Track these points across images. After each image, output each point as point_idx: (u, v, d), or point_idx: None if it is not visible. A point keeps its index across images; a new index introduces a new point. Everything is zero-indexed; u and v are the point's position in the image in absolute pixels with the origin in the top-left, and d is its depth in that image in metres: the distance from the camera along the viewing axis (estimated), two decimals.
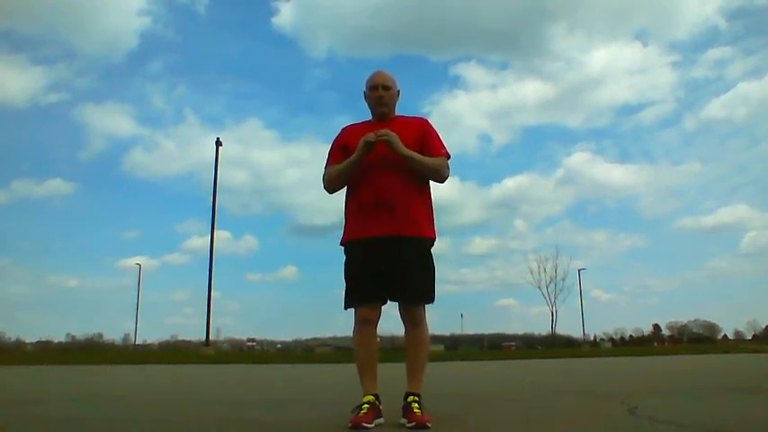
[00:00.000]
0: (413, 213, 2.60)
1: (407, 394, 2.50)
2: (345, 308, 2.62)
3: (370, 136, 2.54)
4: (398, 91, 2.77)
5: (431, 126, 2.76)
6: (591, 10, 78.90)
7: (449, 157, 2.72)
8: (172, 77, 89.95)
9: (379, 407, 2.46)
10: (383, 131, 2.55)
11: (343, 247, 2.70)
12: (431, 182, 2.74)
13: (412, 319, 2.59)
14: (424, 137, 2.69)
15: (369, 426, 2.32)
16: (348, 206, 2.72)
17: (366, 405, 2.42)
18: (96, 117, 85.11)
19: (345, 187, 2.75)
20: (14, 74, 75.72)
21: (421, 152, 2.62)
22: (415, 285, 2.57)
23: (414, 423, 2.31)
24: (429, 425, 2.31)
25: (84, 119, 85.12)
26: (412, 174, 2.63)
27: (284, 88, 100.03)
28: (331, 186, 2.73)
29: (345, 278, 2.64)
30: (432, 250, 2.70)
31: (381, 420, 2.43)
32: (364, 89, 2.77)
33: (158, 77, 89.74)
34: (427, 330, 2.64)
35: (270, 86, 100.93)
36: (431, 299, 2.62)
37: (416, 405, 2.43)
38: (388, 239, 2.55)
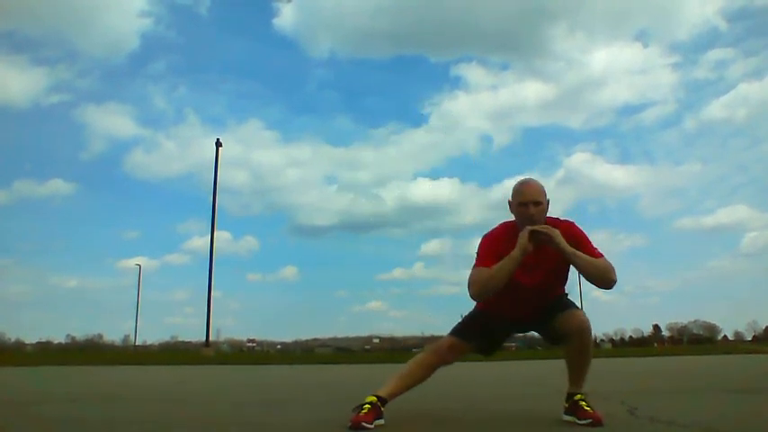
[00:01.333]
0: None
1: (572, 394, 2.55)
2: (455, 334, 2.69)
3: (537, 227, 2.41)
4: (548, 201, 2.54)
5: (579, 228, 2.53)
6: (591, 11, 79.11)
7: (605, 258, 2.49)
8: (173, 78, 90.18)
9: (380, 408, 2.45)
10: (546, 228, 2.41)
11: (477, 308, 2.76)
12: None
13: (580, 321, 2.52)
14: (575, 239, 2.46)
15: (369, 426, 2.30)
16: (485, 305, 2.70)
17: (367, 405, 2.40)
18: (97, 118, 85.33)
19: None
20: (16, 75, 75.90)
21: None
22: (567, 302, 2.64)
23: (589, 420, 2.35)
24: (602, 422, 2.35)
25: (85, 119, 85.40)
26: (558, 288, 2.64)
27: (285, 89, 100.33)
28: (486, 288, 2.45)
29: (470, 317, 2.74)
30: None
31: (382, 421, 2.42)
32: (510, 199, 2.55)
33: (160, 78, 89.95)
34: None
35: (271, 87, 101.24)
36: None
37: (585, 403, 2.47)
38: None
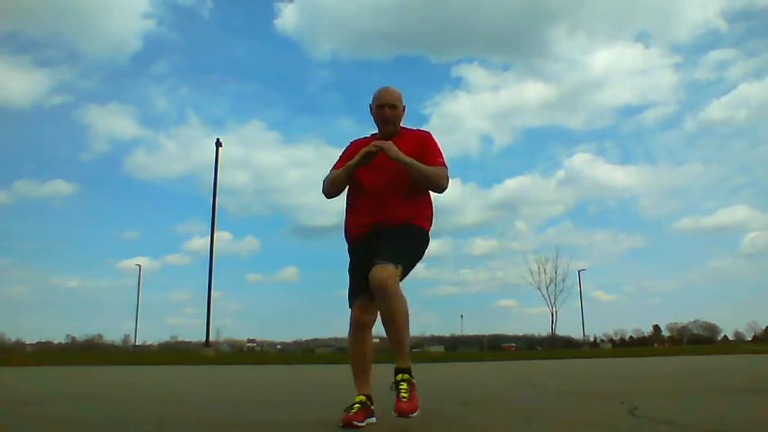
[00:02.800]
0: (400, 209, 2.64)
1: (396, 370, 2.46)
2: (350, 307, 2.68)
3: (370, 146, 2.61)
4: (404, 107, 2.80)
5: (431, 138, 2.79)
6: (592, 11, 78.87)
7: (445, 167, 2.72)
8: (175, 79, 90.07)
9: (370, 407, 2.49)
10: (380, 142, 2.62)
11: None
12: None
13: (377, 286, 2.39)
14: (424, 147, 2.71)
15: (360, 424, 2.34)
16: (346, 212, 2.82)
17: (357, 405, 2.45)
18: (99, 118, 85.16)
19: (345, 193, 2.80)
20: (19, 75, 75.85)
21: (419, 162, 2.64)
22: (385, 246, 2.51)
23: (395, 412, 2.34)
24: (413, 414, 2.34)
25: (86, 120, 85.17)
26: (409, 184, 2.65)
27: (287, 90, 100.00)
28: (327, 189, 2.78)
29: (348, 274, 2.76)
30: (421, 236, 2.68)
31: (373, 419, 2.45)
32: (371, 103, 2.79)
33: (161, 79, 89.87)
34: (399, 297, 2.43)
35: (272, 88, 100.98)
36: (401, 260, 2.47)
37: (405, 386, 2.41)
38: (373, 230, 2.62)
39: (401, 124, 2.83)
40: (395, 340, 2.47)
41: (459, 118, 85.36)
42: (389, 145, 2.61)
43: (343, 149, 2.88)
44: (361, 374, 2.64)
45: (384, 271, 2.39)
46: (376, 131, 2.84)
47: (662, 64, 79.08)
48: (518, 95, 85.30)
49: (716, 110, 79.15)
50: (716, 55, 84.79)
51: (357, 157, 2.63)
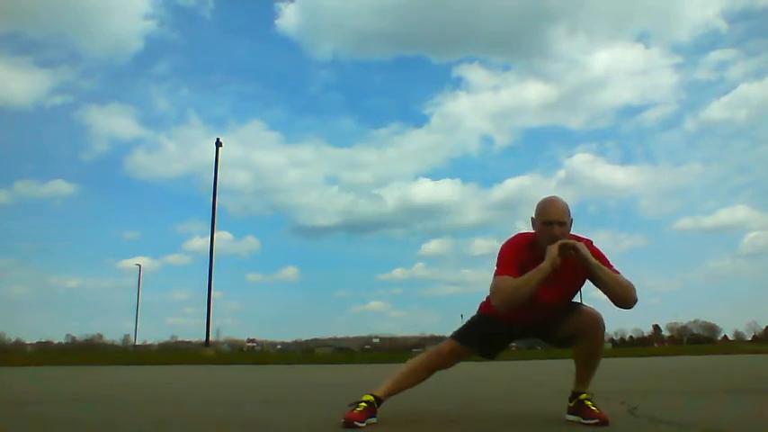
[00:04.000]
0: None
1: (577, 393, 2.54)
2: (457, 338, 2.68)
3: (565, 242, 2.37)
4: (571, 221, 2.50)
5: (597, 247, 2.49)
6: (592, 12, 79.18)
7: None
8: (176, 79, 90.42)
9: (375, 408, 2.47)
10: (572, 241, 2.37)
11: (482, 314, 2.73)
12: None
13: (596, 316, 2.51)
14: (595, 257, 2.41)
15: (360, 424, 2.33)
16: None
17: (363, 404, 2.43)
18: (100, 119, 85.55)
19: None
20: (20, 76, 75.99)
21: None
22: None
23: (595, 420, 2.36)
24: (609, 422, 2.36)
25: (87, 120, 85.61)
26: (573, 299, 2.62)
27: (287, 90, 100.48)
28: (511, 299, 2.36)
29: (472, 321, 2.73)
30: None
31: (375, 420, 2.44)
32: (534, 216, 2.51)
33: (162, 79, 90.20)
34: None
35: (273, 88, 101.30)
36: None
37: (592, 402, 2.48)
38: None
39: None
40: (591, 370, 2.59)
41: (459, 118, 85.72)
42: (581, 244, 2.37)
43: (504, 256, 2.49)
44: (393, 384, 2.59)
45: (596, 311, 2.49)
46: (527, 231, 2.57)
47: (662, 64, 79.35)
48: (518, 95, 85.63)
49: (716, 110, 79.51)
50: (716, 55, 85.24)
51: (554, 254, 2.32)
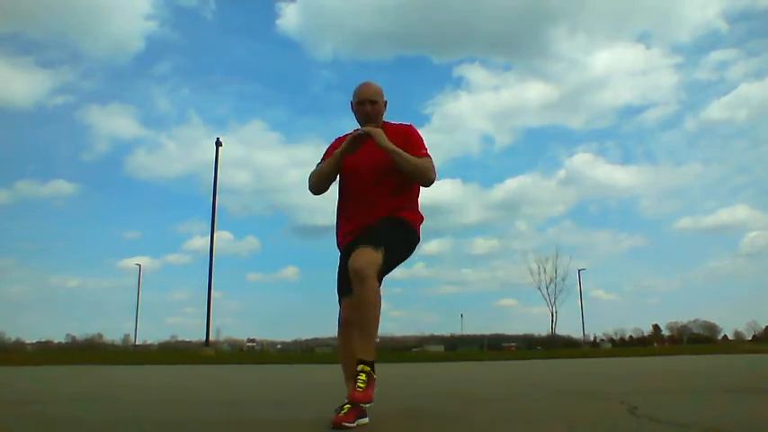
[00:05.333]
0: (385, 208, 2.67)
1: (357, 361, 2.42)
2: (339, 301, 2.72)
3: (358, 130, 2.62)
4: (385, 102, 2.78)
5: (414, 130, 2.77)
6: (593, 12, 79.08)
7: (431, 158, 2.70)
8: (177, 79, 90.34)
9: (361, 407, 2.42)
10: (367, 128, 2.62)
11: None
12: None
13: (353, 269, 2.39)
14: (407, 140, 2.69)
15: (350, 425, 2.30)
16: (336, 219, 2.86)
17: (347, 405, 2.39)
18: (101, 119, 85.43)
19: (334, 193, 2.82)
20: (21, 76, 76.03)
21: None
22: (367, 232, 2.58)
23: (346, 404, 2.34)
24: (367, 405, 2.35)
25: (88, 120, 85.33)
26: (396, 180, 2.66)
27: (288, 90, 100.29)
28: (313, 183, 2.74)
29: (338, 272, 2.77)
30: (406, 227, 2.69)
31: (365, 420, 2.40)
32: (351, 100, 2.77)
33: (163, 80, 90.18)
34: (374, 286, 2.41)
35: (274, 88, 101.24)
36: (382, 243, 2.47)
37: (363, 377, 2.37)
38: (360, 233, 2.64)
39: (384, 119, 2.82)
40: (362, 329, 2.45)
41: (460, 118, 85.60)
42: (378, 131, 2.60)
43: (328, 146, 2.86)
44: (351, 374, 2.54)
45: (363, 254, 2.41)
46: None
47: (663, 64, 79.25)
48: (519, 95, 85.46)
49: (716, 110, 79.37)
50: (716, 55, 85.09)
51: (345, 144, 2.61)
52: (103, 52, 80.00)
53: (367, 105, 2.71)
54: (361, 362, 2.42)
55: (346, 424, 2.29)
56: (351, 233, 2.71)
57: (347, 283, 2.55)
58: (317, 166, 2.77)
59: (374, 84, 2.78)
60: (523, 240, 76.42)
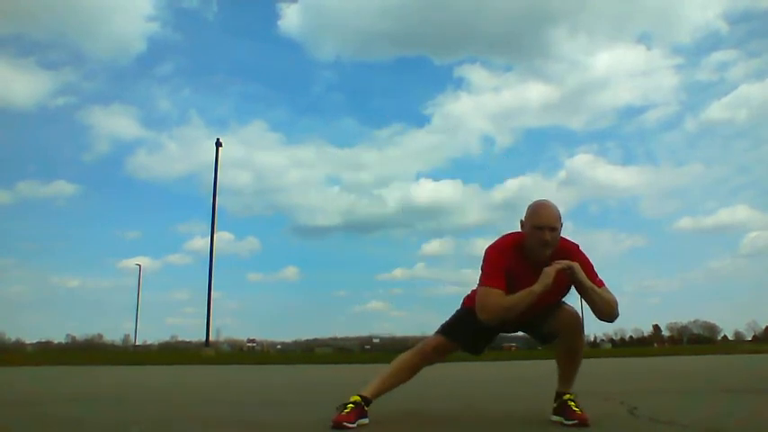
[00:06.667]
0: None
1: (560, 393, 2.55)
2: (443, 333, 2.67)
3: (562, 266, 2.37)
4: (562, 225, 2.48)
5: (584, 254, 2.52)
6: (593, 13, 79.30)
7: (606, 287, 2.50)
8: (178, 80, 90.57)
9: (364, 408, 2.43)
10: (567, 263, 2.37)
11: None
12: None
13: (574, 316, 2.55)
14: (581, 267, 2.42)
15: (350, 425, 2.30)
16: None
17: (351, 405, 2.40)
18: (102, 119, 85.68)
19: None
20: (23, 77, 76.16)
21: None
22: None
23: (575, 421, 2.35)
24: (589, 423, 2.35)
25: (89, 121, 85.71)
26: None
27: (290, 91, 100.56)
28: (498, 314, 2.41)
29: (458, 316, 2.71)
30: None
31: (366, 420, 2.41)
32: (524, 219, 2.49)
33: (165, 80, 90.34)
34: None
35: (275, 89, 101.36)
36: None
37: (575, 403, 2.47)
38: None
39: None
40: (572, 370, 2.60)
41: (460, 118, 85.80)
42: (578, 267, 2.38)
43: (493, 257, 2.50)
44: (380, 383, 2.56)
45: (574, 311, 2.51)
46: (514, 232, 2.56)
47: (663, 65, 79.39)
48: (520, 96, 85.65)
49: (717, 110, 79.53)
50: (717, 56, 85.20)
51: (546, 280, 2.34)
52: (105, 53, 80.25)
53: (546, 233, 2.39)
54: (568, 393, 2.55)
55: (347, 424, 2.29)
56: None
57: (470, 336, 2.64)
58: (492, 289, 2.42)
59: (554, 207, 2.46)
60: None
